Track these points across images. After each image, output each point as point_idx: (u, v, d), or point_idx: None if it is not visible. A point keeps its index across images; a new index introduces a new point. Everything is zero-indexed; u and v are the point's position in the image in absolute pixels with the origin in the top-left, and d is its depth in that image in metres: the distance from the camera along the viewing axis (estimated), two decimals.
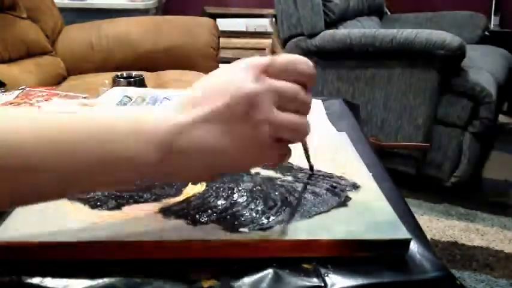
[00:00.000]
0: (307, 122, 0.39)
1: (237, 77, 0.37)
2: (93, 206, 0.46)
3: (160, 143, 0.35)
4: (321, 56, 1.90)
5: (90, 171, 0.35)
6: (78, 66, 1.76)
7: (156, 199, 0.48)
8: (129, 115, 0.37)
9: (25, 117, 0.35)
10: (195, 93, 0.37)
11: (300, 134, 0.39)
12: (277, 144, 0.39)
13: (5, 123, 0.34)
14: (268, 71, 0.37)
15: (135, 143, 0.35)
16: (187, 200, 0.48)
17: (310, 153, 0.53)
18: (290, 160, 0.57)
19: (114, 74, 1.06)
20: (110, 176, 0.36)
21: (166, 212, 0.46)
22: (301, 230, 0.43)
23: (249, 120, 0.36)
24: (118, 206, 0.47)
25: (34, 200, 0.37)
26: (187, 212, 0.46)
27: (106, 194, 0.48)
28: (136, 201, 0.48)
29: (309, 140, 0.46)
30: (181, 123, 0.36)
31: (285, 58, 0.38)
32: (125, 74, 1.08)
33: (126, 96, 0.84)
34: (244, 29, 2.89)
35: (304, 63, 0.38)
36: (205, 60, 1.77)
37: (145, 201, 0.47)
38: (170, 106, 0.37)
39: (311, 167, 0.54)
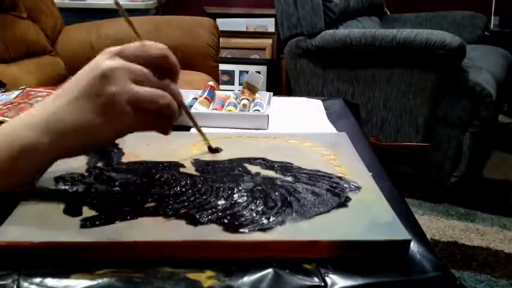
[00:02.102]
0: (168, 97, 0.44)
1: (95, 61, 0.43)
2: (94, 207, 0.46)
3: (46, 128, 0.42)
4: (321, 56, 1.91)
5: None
6: (78, 66, 1.74)
7: (156, 199, 0.48)
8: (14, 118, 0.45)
9: None
10: (68, 83, 0.44)
11: (158, 103, 0.43)
12: (141, 113, 0.43)
13: None
14: (122, 56, 0.43)
15: (29, 132, 0.42)
16: (187, 200, 0.48)
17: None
18: (290, 160, 0.58)
19: None
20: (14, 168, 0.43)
21: (166, 212, 0.46)
22: (302, 230, 0.43)
23: (106, 92, 0.41)
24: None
25: None
26: (187, 212, 0.46)
27: (107, 194, 0.49)
28: (137, 202, 0.47)
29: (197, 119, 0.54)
30: (55, 107, 0.43)
31: (136, 44, 0.44)
32: None
33: None
34: (244, 29, 2.89)
35: (153, 47, 0.44)
36: (205, 60, 1.77)
37: (145, 201, 0.47)
38: (48, 98, 0.44)
39: (209, 147, 0.60)
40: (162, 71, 0.45)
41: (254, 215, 0.45)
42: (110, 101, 0.41)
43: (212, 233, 0.42)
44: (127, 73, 0.42)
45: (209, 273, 0.40)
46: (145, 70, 0.43)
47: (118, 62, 0.42)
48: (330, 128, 0.76)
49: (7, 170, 0.43)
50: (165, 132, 0.47)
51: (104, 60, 0.42)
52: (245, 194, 0.49)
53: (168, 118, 0.45)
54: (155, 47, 0.44)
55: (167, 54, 0.45)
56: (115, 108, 0.42)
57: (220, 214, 0.45)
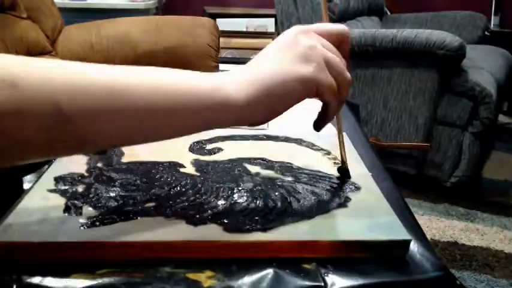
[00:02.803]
0: (349, 78, 0.44)
1: (285, 32, 0.44)
2: (94, 207, 0.46)
3: (243, 90, 0.40)
4: None
5: (192, 114, 0.39)
6: None
7: (156, 199, 0.48)
8: (214, 74, 0.43)
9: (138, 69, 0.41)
10: (259, 53, 0.44)
11: (343, 74, 0.43)
12: (328, 71, 0.42)
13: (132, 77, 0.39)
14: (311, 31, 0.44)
15: (225, 93, 0.39)
16: (187, 200, 0.48)
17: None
18: (290, 160, 0.58)
19: None
20: (205, 120, 0.40)
21: (166, 212, 0.46)
22: (301, 230, 0.43)
23: (305, 43, 0.42)
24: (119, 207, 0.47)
25: (141, 140, 0.40)
26: (187, 212, 0.46)
27: (107, 194, 0.49)
28: (137, 202, 0.48)
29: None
30: (253, 63, 0.43)
31: (318, 24, 0.46)
32: None
33: None
34: (244, 29, 2.89)
35: (332, 26, 0.46)
36: (205, 60, 1.77)
37: (145, 201, 0.48)
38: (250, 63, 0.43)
39: (343, 164, 0.55)
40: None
41: (254, 215, 0.45)
42: (308, 51, 0.41)
43: (212, 233, 0.43)
44: (321, 41, 0.43)
45: (209, 273, 0.40)
46: (333, 47, 0.44)
47: (313, 33, 0.43)
48: (330, 128, 0.76)
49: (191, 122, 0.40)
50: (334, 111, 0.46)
51: (298, 27, 0.44)
52: (245, 194, 0.49)
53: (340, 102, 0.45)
54: (334, 26, 0.46)
55: (345, 38, 0.46)
56: (313, 58, 0.41)
57: (220, 214, 0.45)
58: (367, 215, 0.46)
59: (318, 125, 0.48)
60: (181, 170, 0.55)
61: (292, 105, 0.42)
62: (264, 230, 0.43)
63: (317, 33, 0.44)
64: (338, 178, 0.54)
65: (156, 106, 0.37)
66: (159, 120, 0.38)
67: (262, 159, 0.58)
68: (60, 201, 0.47)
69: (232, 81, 0.40)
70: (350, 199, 0.49)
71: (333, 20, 2.00)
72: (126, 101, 0.36)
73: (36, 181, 0.51)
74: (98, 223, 0.43)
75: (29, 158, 0.36)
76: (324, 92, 0.42)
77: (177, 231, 0.43)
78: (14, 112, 0.32)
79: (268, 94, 0.40)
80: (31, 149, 0.35)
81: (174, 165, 0.56)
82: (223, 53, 2.72)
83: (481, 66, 1.84)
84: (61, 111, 0.33)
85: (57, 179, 0.51)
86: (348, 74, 0.44)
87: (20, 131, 0.33)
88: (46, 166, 0.54)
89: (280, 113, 0.42)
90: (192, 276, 0.39)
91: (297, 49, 0.41)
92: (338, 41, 0.45)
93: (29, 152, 0.35)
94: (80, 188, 0.50)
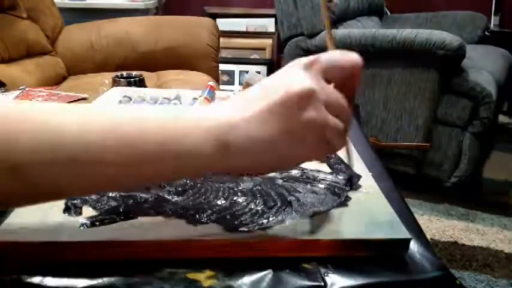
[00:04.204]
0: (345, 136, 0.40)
1: (295, 74, 0.38)
2: (94, 207, 0.46)
3: (217, 140, 0.36)
4: None
5: (152, 164, 0.36)
6: (78, 66, 1.76)
7: (156, 199, 0.48)
8: (188, 113, 0.38)
9: (92, 112, 0.37)
10: (252, 91, 0.38)
11: (341, 139, 0.39)
12: (324, 143, 0.38)
13: (79, 120, 0.35)
14: (315, 68, 0.39)
15: (196, 140, 0.36)
16: (187, 200, 0.48)
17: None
18: None
19: (114, 74, 1.06)
20: (168, 170, 0.37)
21: (166, 212, 0.46)
22: (301, 229, 0.43)
23: (303, 117, 0.36)
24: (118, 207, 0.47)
25: (92, 191, 0.41)
26: (187, 211, 0.46)
27: (107, 194, 0.49)
28: (136, 202, 0.47)
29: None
30: (235, 119, 0.36)
31: (329, 55, 0.40)
32: (124, 74, 1.08)
33: (126, 96, 0.84)
34: (244, 29, 2.89)
35: (345, 59, 0.40)
36: (205, 60, 1.77)
37: (145, 201, 0.47)
38: (227, 104, 0.38)
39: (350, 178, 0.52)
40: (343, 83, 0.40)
41: (254, 214, 0.45)
42: (303, 127, 0.36)
43: (212, 232, 0.42)
44: (323, 97, 0.37)
45: (209, 273, 0.40)
46: (338, 96, 0.39)
47: (317, 83, 0.37)
48: None
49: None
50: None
51: (302, 77, 0.37)
52: (245, 194, 0.49)
53: (330, 149, 0.40)
54: (347, 59, 0.40)
55: (357, 71, 0.40)
56: (313, 133, 0.37)
57: (220, 214, 0.45)
58: (367, 214, 0.46)
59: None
60: None
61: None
62: (264, 230, 0.43)
63: (328, 68, 0.39)
64: (337, 177, 0.54)
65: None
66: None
67: None
68: (60, 201, 0.47)
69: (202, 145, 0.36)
70: (350, 198, 0.49)
71: (332, 20, 2.00)
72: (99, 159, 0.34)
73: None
74: (97, 223, 0.43)
75: None
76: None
77: (177, 231, 0.42)
78: None
79: (242, 163, 0.37)
80: None
81: None
82: (223, 53, 2.72)
83: (481, 66, 1.84)
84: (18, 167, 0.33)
85: None
86: (350, 120, 0.40)
87: None
88: None
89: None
90: (192, 276, 0.39)
91: (290, 124, 0.36)
92: (350, 75, 0.40)
93: None
94: None
